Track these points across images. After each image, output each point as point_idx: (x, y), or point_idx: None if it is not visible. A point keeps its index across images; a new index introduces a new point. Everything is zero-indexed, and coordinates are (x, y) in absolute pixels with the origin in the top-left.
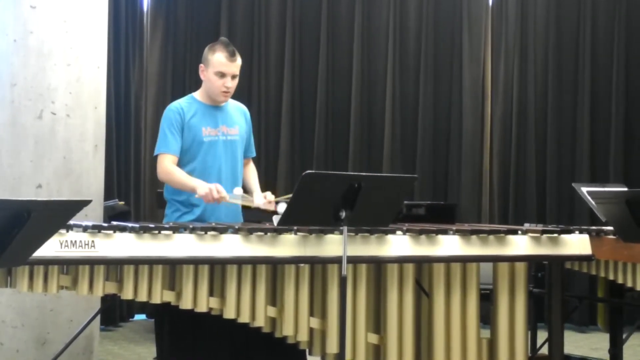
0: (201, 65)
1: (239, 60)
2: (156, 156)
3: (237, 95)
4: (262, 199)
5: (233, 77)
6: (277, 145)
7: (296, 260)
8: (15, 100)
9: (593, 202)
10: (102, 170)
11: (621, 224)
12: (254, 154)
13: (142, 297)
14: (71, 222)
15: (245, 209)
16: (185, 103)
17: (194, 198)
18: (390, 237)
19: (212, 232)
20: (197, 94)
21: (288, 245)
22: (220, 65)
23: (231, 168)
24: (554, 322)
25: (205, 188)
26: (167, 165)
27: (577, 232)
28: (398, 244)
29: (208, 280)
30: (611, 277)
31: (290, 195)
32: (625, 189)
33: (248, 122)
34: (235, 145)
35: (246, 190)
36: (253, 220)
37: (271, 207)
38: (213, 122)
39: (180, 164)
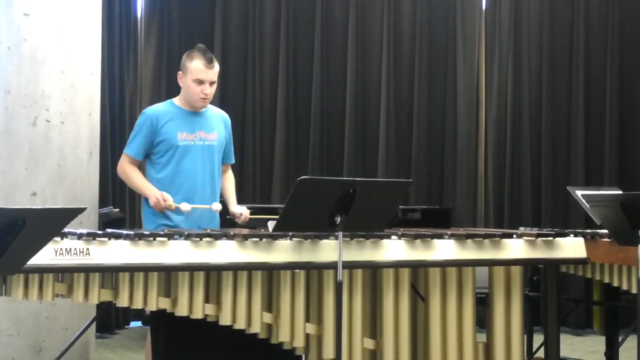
0: (179, 72)
1: (216, 67)
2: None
3: (231, 102)
4: (237, 213)
5: (211, 83)
6: (272, 151)
7: (292, 266)
8: (9, 107)
9: (588, 206)
10: (97, 177)
11: (616, 227)
12: (232, 161)
13: (138, 304)
14: (66, 229)
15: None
16: (163, 108)
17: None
18: (385, 241)
19: (207, 239)
20: (177, 100)
21: (283, 251)
22: (198, 73)
23: (210, 172)
24: (550, 325)
25: (154, 198)
26: (126, 166)
27: (572, 235)
28: (393, 249)
29: (204, 287)
30: (606, 280)
31: (264, 217)
32: (620, 192)
33: (228, 129)
34: (213, 150)
35: (222, 197)
36: (248, 226)
37: (244, 221)
38: (190, 127)
39: (157, 167)
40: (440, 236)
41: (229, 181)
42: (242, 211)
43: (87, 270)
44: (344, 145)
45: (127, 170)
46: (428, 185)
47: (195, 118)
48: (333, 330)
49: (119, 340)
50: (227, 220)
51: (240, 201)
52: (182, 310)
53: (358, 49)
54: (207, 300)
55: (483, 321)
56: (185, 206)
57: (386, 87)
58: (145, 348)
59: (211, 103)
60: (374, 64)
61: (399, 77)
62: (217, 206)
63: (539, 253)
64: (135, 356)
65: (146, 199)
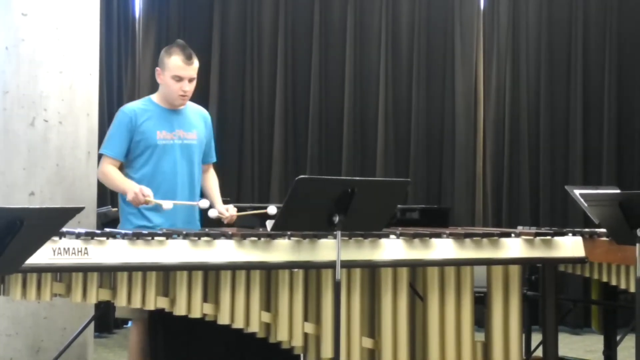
0: (157, 68)
1: (196, 63)
2: (100, 155)
3: (230, 101)
4: (224, 211)
5: (190, 80)
6: (271, 151)
7: (290, 266)
8: (8, 107)
9: (586, 205)
10: (95, 178)
11: (614, 226)
12: (214, 160)
13: (136, 303)
14: (64, 229)
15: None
16: (141, 106)
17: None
18: (384, 241)
19: (206, 238)
20: (155, 97)
21: (282, 251)
22: (177, 69)
23: (188, 172)
24: (548, 324)
25: (132, 193)
26: (105, 167)
27: (570, 234)
28: (392, 248)
29: (202, 286)
30: (605, 279)
31: (252, 212)
32: (618, 191)
33: (208, 127)
34: (192, 149)
35: (206, 197)
36: (246, 225)
37: (230, 220)
38: (169, 126)
39: (134, 167)
40: (438, 235)
41: (212, 181)
42: (228, 208)
43: (86, 269)
44: (343, 145)
45: (106, 172)
46: (426, 185)
47: (174, 116)
48: (331, 330)
49: (117, 340)
50: (211, 221)
51: (238, 201)
52: (180, 310)
53: (356, 49)
54: (205, 299)
55: (481, 320)
56: (167, 204)
57: (384, 87)
58: (129, 348)
59: (210, 102)
60: (373, 64)
61: (397, 77)
62: (204, 203)
63: (538, 252)
64: None
65: (124, 197)
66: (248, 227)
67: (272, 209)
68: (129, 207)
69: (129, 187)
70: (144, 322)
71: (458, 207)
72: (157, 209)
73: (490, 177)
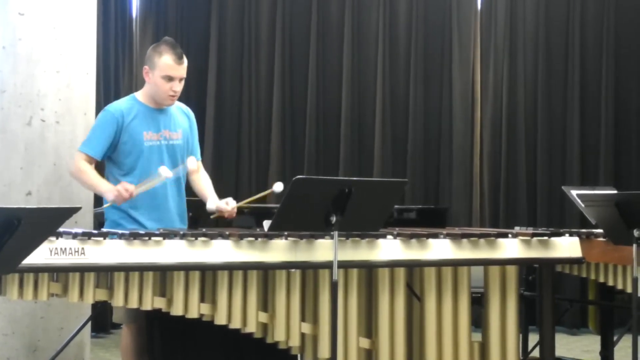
0: (145, 67)
1: (186, 62)
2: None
3: (227, 100)
4: (224, 206)
5: (180, 80)
6: (268, 150)
7: (287, 266)
8: (5, 107)
9: (583, 205)
10: None
11: (611, 226)
12: (199, 158)
13: (133, 304)
14: (61, 229)
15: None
16: (126, 105)
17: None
18: (381, 241)
19: (203, 238)
20: (140, 95)
21: (279, 251)
22: (168, 69)
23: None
24: (545, 324)
25: (114, 191)
26: (82, 165)
27: (567, 235)
28: (389, 249)
29: (199, 287)
30: (601, 280)
31: (251, 199)
32: (615, 191)
33: (193, 125)
34: (178, 150)
35: (200, 196)
36: (243, 226)
37: (231, 213)
38: (155, 126)
39: (123, 170)
40: (435, 236)
41: (204, 179)
42: (227, 202)
43: (82, 269)
44: (340, 144)
45: (83, 169)
46: (424, 185)
47: (160, 116)
48: (329, 330)
49: (114, 340)
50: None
51: (235, 199)
52: (177, 310)
53: (354, 48)
54: (202, 299)
55: (478, 321)
56: (164, 171)
57: (382, 87)
58: (121, 351)
59: (207, 100)
60: (370, 63)
61: (395, 77)
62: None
63: (535, 252)
64: None
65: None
66: (245, 227)
67: (278, 187)
68: (120, 212)
69: (107, 188)
70: (136, 325)
71: (455, 207)
72: (149, 214)
73: (488, 177)
